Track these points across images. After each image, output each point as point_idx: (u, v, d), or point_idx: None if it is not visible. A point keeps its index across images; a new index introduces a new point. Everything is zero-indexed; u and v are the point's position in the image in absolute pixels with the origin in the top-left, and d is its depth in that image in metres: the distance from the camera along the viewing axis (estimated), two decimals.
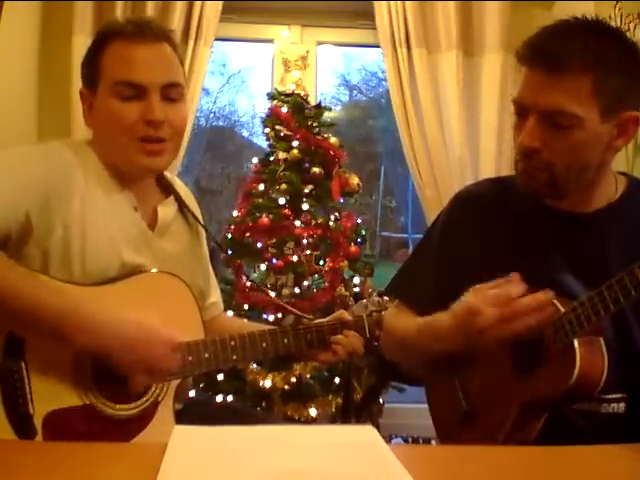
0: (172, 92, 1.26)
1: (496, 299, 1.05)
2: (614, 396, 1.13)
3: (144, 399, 1.21)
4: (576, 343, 1.05)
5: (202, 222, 1.45)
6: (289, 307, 1.61)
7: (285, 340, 1.35)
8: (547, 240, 1.21)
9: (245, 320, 2.07)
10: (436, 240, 1.35)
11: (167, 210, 1.35)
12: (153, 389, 1.22)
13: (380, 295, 1.48)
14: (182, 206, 1.40)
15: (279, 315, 2.52)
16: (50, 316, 1.10)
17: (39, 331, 1.11)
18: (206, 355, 1.26)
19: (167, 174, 1.41)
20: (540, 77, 1.10)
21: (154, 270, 1.27)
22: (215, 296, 1.54)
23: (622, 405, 1.14)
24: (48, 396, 1.12)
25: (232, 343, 1.30)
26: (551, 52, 1.09)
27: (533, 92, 1.12)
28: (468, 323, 1.07)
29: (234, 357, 1.30)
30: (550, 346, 1.08)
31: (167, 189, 1.39)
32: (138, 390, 1.19)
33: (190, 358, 1.25)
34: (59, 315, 1.10)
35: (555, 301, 1.08)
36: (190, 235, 1.43)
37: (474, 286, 1.11)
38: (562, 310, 1.07)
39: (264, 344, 1.33)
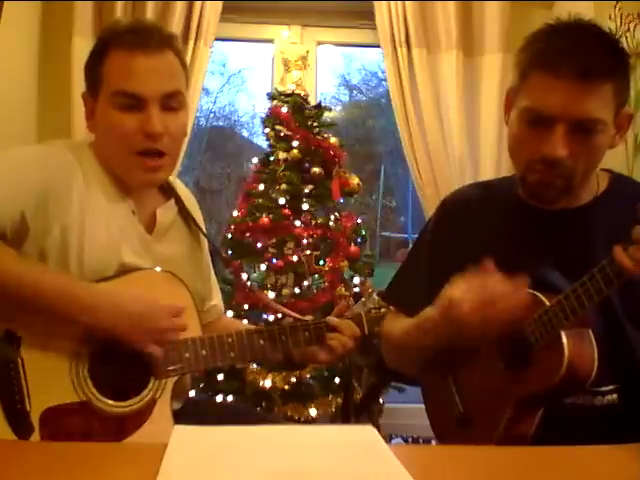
0: (172, 101, 1.25)
1: (474, 286, 1.08)
2: (607, 388, 1.14)
3: (141, 396, 1.21)
4: (563, 336, 1.06)
5: (201, 226, 1.45)
6: (285, 309, 1.60)
7: (283, 337, 1.33)
8: (533, 239, 1.23)
9: (246, 321, 2.07)
10: (426, 247, 1.38)
11: (166, 214, 1.34)
12: (150, 386, 1.22)
13: (380, 295, 1.49)
14: (182, 209, 1.40)
15: (279, 315, 2.52)
16: (54, 299, 1.12)
17: (42, 314, 1.13)
18: (204, 352, 1.26)
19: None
20: (570, 85, 1.08)
21: (150, 268, 1.27)
22: (216, 299, 1.53)
23: (615, 396, 1.14)
24: (45, 393, 1.13)
25: (229, 340, 1.29)
26: (582, 59, 1.08)
27: (562, 101, 1.09)
28: (449, 312, 1.10)
29: (232, 355, 1.29)
30: (538, 341, 1.09)
31: (167, 192, 1.38)
32: (158, 359, 1.21)
33: (187, 355, 1.24)
34: (64, 297, 1.13)
35: (541, 296, 1.10)
36: (190, 238, 1.42)
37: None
38: (547, 304, 1.08)
39: (261, 341, 1.32)
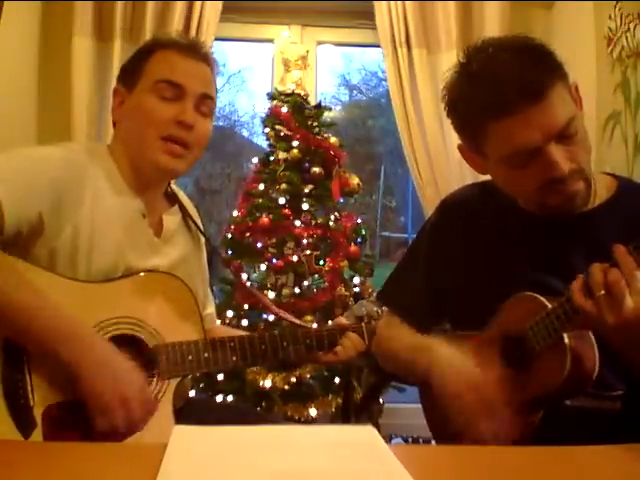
0: (205, 105, 1.32)
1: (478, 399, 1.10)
2: (611, 393, 1.14)
3: None
4: (566, 338, 1.06)
5: (204, 232, 1.48)
6: (283, 313, 1.62)
7: (284, 344, 1.37)
8: (534, 242, 1.22)
9: (245, 322, 2.08)
10: (423, 248, 1.37)
11: (172, 219, 1.39)
12: (153, 387, 1.22)
13: (376, 296, 1.50)
14: (185, 216, 1.44)
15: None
16: (40, 332, 1.09)
17: (29, 343, 1.11)
18: (205, 355, 1.28)
19: (172, 185, 1.45)
20: (532, 114, 1.06)
21: (156, 271, 1.29)
22: (210, 308, 1.56)
23: (619, 401, 1.14)
24: (49, 389, 1.13)
25: (231, 344, 1.32)
26: (526, 87, 1.06)
27: (536, 131, 1.07)
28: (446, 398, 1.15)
29: (233, 358, 1.32)
30: (540, 343, 1.09)
31: (172, 199, 1.43)
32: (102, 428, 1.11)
33: (190, 357, 1.26)
34: (51, 335, 1.09)
35: (542, 299, 1.09)
36: (192, 244, 1.46)
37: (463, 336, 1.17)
38: (550, 307, 1.07)
39: (263, 346, 1.35)
